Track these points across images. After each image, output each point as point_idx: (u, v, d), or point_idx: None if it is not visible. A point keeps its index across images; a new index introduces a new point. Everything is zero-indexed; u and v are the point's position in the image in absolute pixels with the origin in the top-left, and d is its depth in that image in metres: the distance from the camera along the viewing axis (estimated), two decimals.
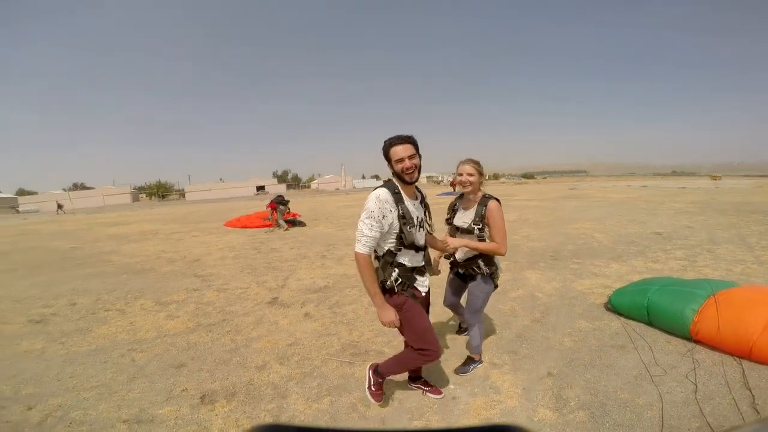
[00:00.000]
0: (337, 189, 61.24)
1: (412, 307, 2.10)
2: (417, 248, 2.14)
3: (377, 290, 2.00)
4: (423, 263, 2.22)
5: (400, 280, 2.06)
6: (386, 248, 2.05)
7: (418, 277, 2.18)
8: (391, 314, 2.01)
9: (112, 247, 9.76)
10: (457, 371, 2.73)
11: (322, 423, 2.30)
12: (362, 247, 1.95)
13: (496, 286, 2.65)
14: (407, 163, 1.97)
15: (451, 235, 2.61)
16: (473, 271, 2.60)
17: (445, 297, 2.98)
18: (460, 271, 2.72)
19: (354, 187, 69.39)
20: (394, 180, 2.08)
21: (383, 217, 1.94)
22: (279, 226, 11.19)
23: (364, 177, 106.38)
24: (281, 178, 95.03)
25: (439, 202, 19.58)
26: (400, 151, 1.97)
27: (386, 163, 2.06)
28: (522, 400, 2.41)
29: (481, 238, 2.46)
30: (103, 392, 2.67)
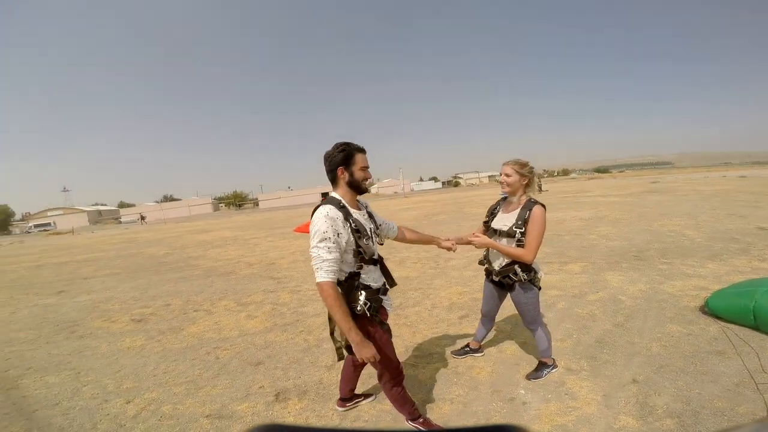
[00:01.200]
0: (396, 192, 61.67)
1: (382, 336, 1.97)
2: (375, 261, 1.97)
3: (352, 324, 1.74)
4: (383, 281, 2.04)
5: (368, 303, 1.87)
6: (347, 271, 1.85)
7: (383, 297, 2.01)
8: (372, 349, 1.79)
9: (198, 252, 10.76)
10: (529, 377, 2.61)
11: (383, 424, 2.32)
12: (325, 275, 1.71)
13: (539, 288, 2.47)
14: (368, 173, 1.89)
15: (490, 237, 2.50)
16: (510, 279, 2.42)
17: (483, 303, 2.80)
18: (495, 279, 2.54)
19: (412, 190, 69.39)
20: (336, 194, 1.91)
21: (338, 235, 1.75)
22: None
23: (421, 179, 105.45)
24: None
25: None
26: (365, 159, 1.89)
27: (337, 170, 1.87)
28: (601, 407, 2.26)
29: (520, 243, 2.31)
30: (191, 388, 2.92)
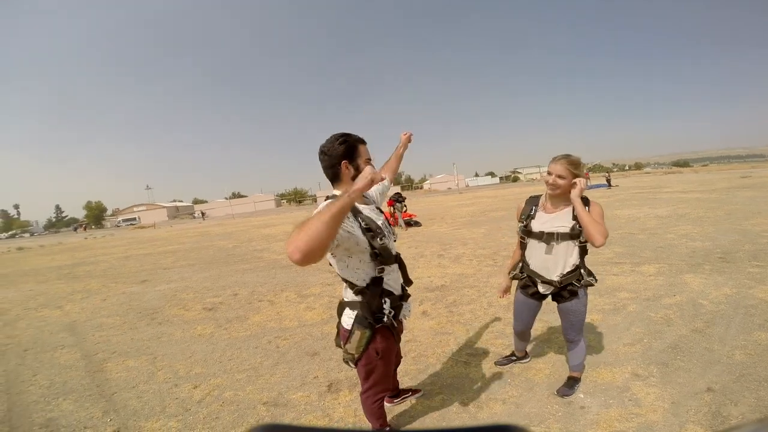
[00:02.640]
0: (450, 188, 60.69)
1: (390, 354, 1.81)
2: (394, 259, 1.78)
3: (336, 202, 1.26)
4: (401, 284, 1.86)
5: (392, 312, 1.73)
6: (370, 276, 1.67)
7: (403, 303, 1.86)
8: (363, 176, 1.34)
9: (263, 245, 11.43)
10: (559, 393, 2.38)
11: (429, 421, 2.30)
12: None
13: None
14: (372, 165, 1.69)
15: (522, 248, 2.29)
16: (575, 286, 2.14)
17: (517, 323, 2.53)
18: (544, 291, 2.23)
19: (467, 186, 67.82)
20: (339, 191, 1.67)
21: (349, 235, 1.54)
22: (399, 225, 11.69)
23: (477, 175, 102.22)
24: (396, 179, 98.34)
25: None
26: (367, 150, 1.71)
27: (340, 165, 1.64)
28: (667, 415, 2.09)
29: (583, 243, 2.08)
30: (252, 375, 3.08)
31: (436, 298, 4.58)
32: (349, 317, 1.74)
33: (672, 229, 7.44)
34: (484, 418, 2.27)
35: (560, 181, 2.05)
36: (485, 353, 3.05)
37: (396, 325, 1.78)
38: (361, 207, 1.71)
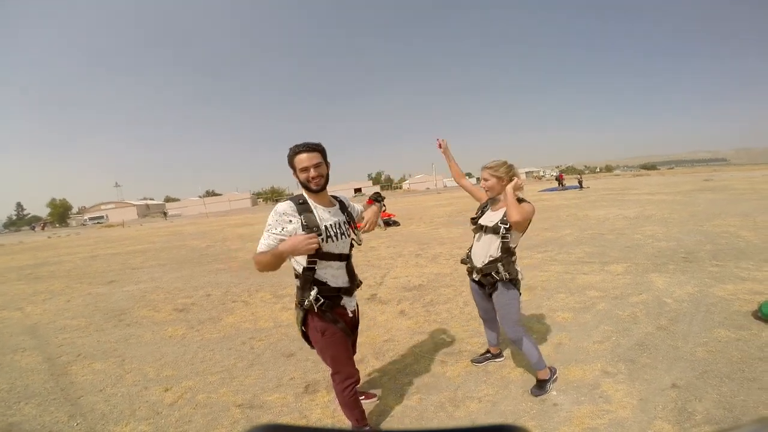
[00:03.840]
0: (428, 189, 61.19)
1: (334, 334, 1.97)
2: (339, 257, 1.98)
3: (278, 248, 1.80)
4: (348, 282, 2.04)
5: (321, 300, 1.90)
6: (302, 266, 1.92)
7: (344, 297, 2.01)
8: (295, 239, 1.79)
9: (238, 245, 11.21)
10: (532, 393, 2.44)
11: (408, 420, 2.31)
12: (257, 251, 1.87)
13: (519, 293, 2.40)
14: (312, 172, 1.86)
15: (475, 234, 2.49)
16: (492, 278, 2.35)
17: (477, 307, 2.76)
18: (475, 277, 2.50)
19: (445, 186, 68.55)
20: (303, 191, 1.97)
21: (282, 229, 1.85)
22: (378, 225, 11.69)
23: None
24: (376, 179, 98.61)
25: (543, 198, 18.40)
26: (305, 159, 1.86)
27: (293, 171, 1.92)
28: (636, 411, 2.17)
29: (505, 239, 2.28)
30: (225, 377, 3.02)
31: (414, 297, 4.60)
32: (296, 299, 2.02)
33: (639, 229, 7.74)
34: (460, 416, 2.29)
35: (487, 184, 2.37)
36: (461, 352, 3.09)
37: (319, 310, 1.90)
38: (319, 208, 1.95)
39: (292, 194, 2.11)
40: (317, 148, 1.90)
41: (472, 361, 2.90)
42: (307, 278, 1.91)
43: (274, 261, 1.81)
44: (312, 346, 2.08)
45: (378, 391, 2.61)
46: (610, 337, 3.10)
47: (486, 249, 2.38)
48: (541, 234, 8.15)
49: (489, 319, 2.72)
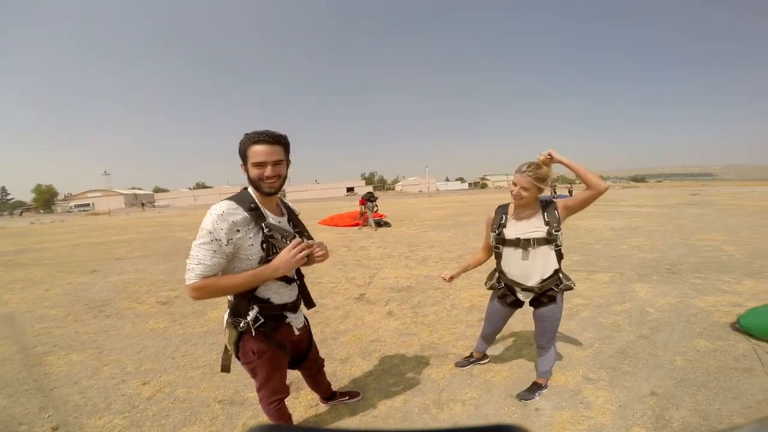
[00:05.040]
0: (420, 191, 61.36)
1: (272, 357, 1.71)
2: (288, 280, 1.68)
3: (255, 273, 1.50)
4: (296, 297, 1.76)
5: (261, 320, 1.60)
6: None
7: (289, 314, 1.74)
8: (282, 257, 1.51)
9: None
10: (519, 397, 2.42)
11: (392, 421, 2.30)
12: (195, 277, 1.44)
13: None
14: (269, 170, 1.49)
15: (497, 258, 2.28)
16: (554, 291, 2.15)
17: (488, 326, 2.56)
18: (523, 298, 2.23)
19: (437, 190, 68.80)
20: (250, 190, 1.59)
21: (228, 241, 1.45)
22: (369, 224, 11.68)
23: (447, 179, 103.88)
24: (369, 180, 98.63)
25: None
26: (263, 152, 1.47)
27: (242, 163, 1.55)
28: (615, 418, 2.19)
29: (558, 246, 2.11)
30: (207, 372, 2.97)
31: (402, 298, 4.60)
32: (226, 313, 1.69)
33: (625, 240, 7.85)
34: (444, 419, 2.29)
35: (524, 193, 2.05)
36: (447, 355, 3.09)
37: (257, 333, 1.63)
38: (271, 216, 1.61)
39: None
40: (281, 141, 1.53)
41: (456, 364, 2.87)
42: (245, 295, 1.58)
43: (235, 287, 1.50)
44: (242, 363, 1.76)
45: (360, 392, 2.58)
46: (593, 344, 3.14)
47: (541, 264, 2.13)
48: None
49: (493, 334, 2.61)
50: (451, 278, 2.46)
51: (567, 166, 2.03)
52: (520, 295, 2.24)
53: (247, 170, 1.53)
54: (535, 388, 2.46)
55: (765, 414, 2.08)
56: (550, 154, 2.03)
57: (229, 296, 1.63)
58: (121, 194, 68.94)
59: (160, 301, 4.94)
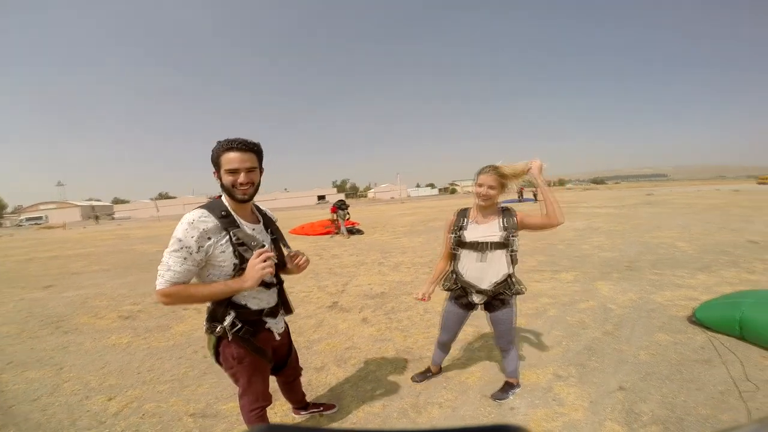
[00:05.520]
0: (392, 198, 61.79)
1: (253, 362, 1.71)
2: (267, 284, 1.69)
3: (224, 286, 1.52)
4: (276, 302, 1.77)
5: (239, 326, 1.61)
6: None
7: (268, 319, 1.74)
8: (251, 270, 1.50)
9: None
10: (493, 397, 2.46)
11: (372, 426, 2.30)
12: (165, 283, 1.46)
13: None
14: (242, 177, 1.50)
15: (455, 259, 2.28)
16: (505, 294, 2.20)
17: (444, 333, 2.53)
18: (477, 301, 2.26)
19: (409, 196, 69.47)
20: (223, 198, 1.61)
21: (199, 248, 1.47)
22: (341, 232, 11.61)
23: (418, 186, 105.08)
24: (340, 187, 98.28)
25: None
26: (236, 159, 1.49)
27: (215, 171, 1.56)
28: (588, 413, 2.27)
29: (514, 250, 2.15)
30: (176, 386, 2.87)
31: (376, 305, 4.59)
32: (205, 319, 1.69)
33: (587, 240, 8.20)
34: (423, 422, 2.30)
35: (491, 192, 2.09)
36: (422, 359, 3.10)
37: (234, 338, 1.63)
38: (243, 224, 1.61)
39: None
40: (254, 149, 1.55)
41: (413, 379, 2.76)
42: (222, 301, 1.59)
43: (205, 296, 1.53)
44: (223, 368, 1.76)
45: (336, 404, 2.54)
46: (561, 342, 3.25)
47: (496, 267, 2.17)
48: None
49: (449, 342, 2.60)
50: (428, 297, 2.36)
51: (540, 187, 2.11)
52: (474, 297, 2.26)
53: (220, 177, 1.54)
54: (508, 387, 2.52)
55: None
56: (534, 166, 2.10)
57: (207, 302, 1.63)
58: (77, 206, 65.34)
59: (122, 316, 4.71)
